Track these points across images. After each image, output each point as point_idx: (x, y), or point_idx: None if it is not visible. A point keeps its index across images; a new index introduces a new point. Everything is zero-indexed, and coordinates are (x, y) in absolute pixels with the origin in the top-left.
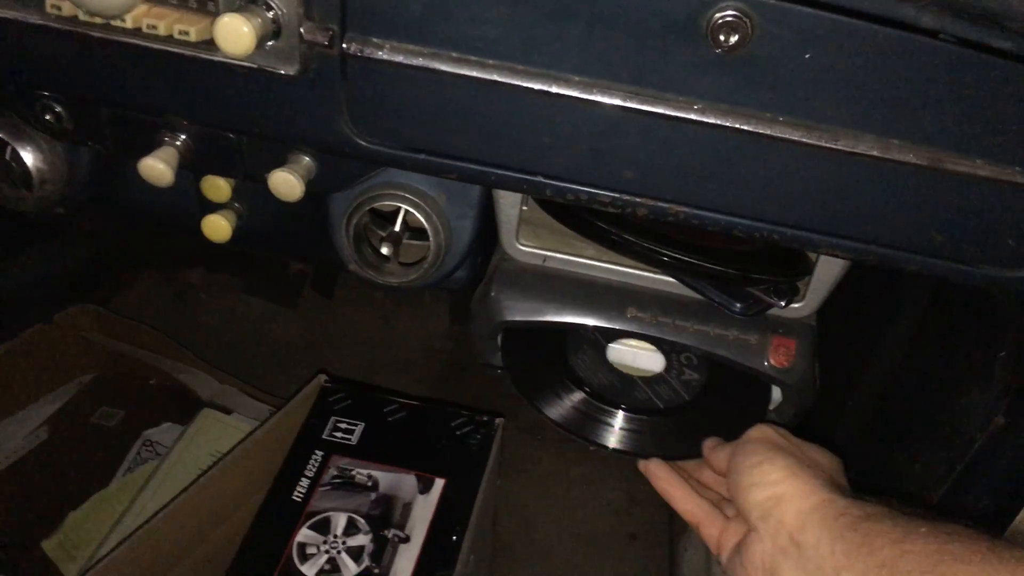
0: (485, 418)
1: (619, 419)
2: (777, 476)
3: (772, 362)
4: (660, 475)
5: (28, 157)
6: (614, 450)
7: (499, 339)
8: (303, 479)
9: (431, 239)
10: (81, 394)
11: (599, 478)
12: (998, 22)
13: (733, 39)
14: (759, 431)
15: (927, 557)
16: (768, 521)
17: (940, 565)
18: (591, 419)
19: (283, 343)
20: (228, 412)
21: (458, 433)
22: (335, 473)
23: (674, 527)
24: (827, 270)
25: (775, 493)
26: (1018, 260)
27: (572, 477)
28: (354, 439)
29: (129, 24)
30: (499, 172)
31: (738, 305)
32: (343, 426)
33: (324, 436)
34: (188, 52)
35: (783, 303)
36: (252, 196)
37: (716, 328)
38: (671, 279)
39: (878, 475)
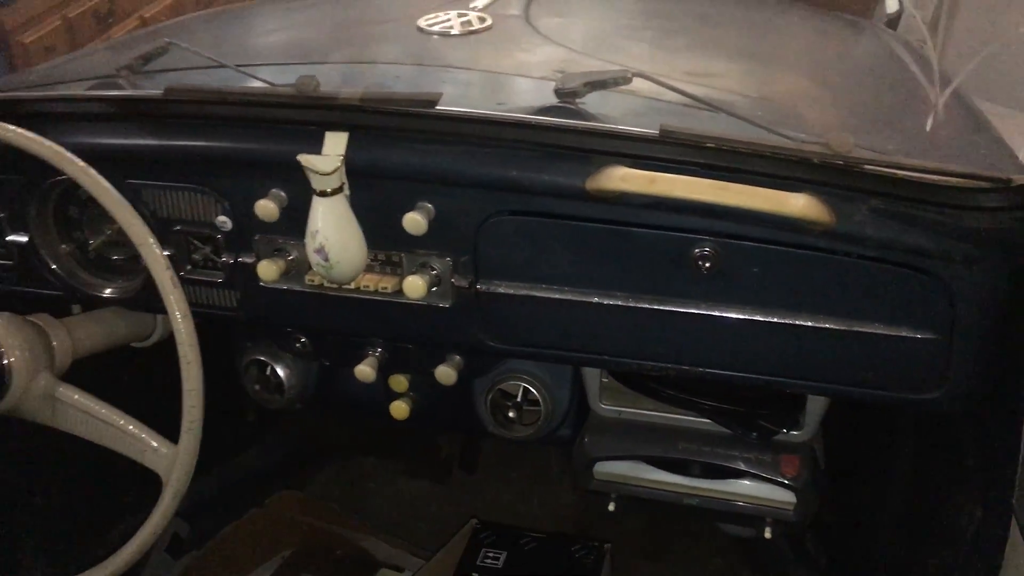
0: (596, 543)
1: None
2: None
3: (784, 472)
4: None
5: (282, 372)
6: None
7: (593, 471)
8: None
9: (542, 405)
10: (283, 567)
11: None
12: (862, 243)
13: (708, 264)
14: None
15: None
16: None
17: None
18: None
19: (439, 515)
20: (400, 570)
21: (576, 556)
22: None
23: None
24: (815, 404)
25: None
26: (922, 386)
27: None
28: (500, 564)
29: (353, 286)
30: (579, 355)
31: (753, 434)
32: (491, 555)
33: (478, 563)
34: (386, 299)
35: (784, 430)
36: (421, 385)
37: (742, 451)
38: (706, 419)
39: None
